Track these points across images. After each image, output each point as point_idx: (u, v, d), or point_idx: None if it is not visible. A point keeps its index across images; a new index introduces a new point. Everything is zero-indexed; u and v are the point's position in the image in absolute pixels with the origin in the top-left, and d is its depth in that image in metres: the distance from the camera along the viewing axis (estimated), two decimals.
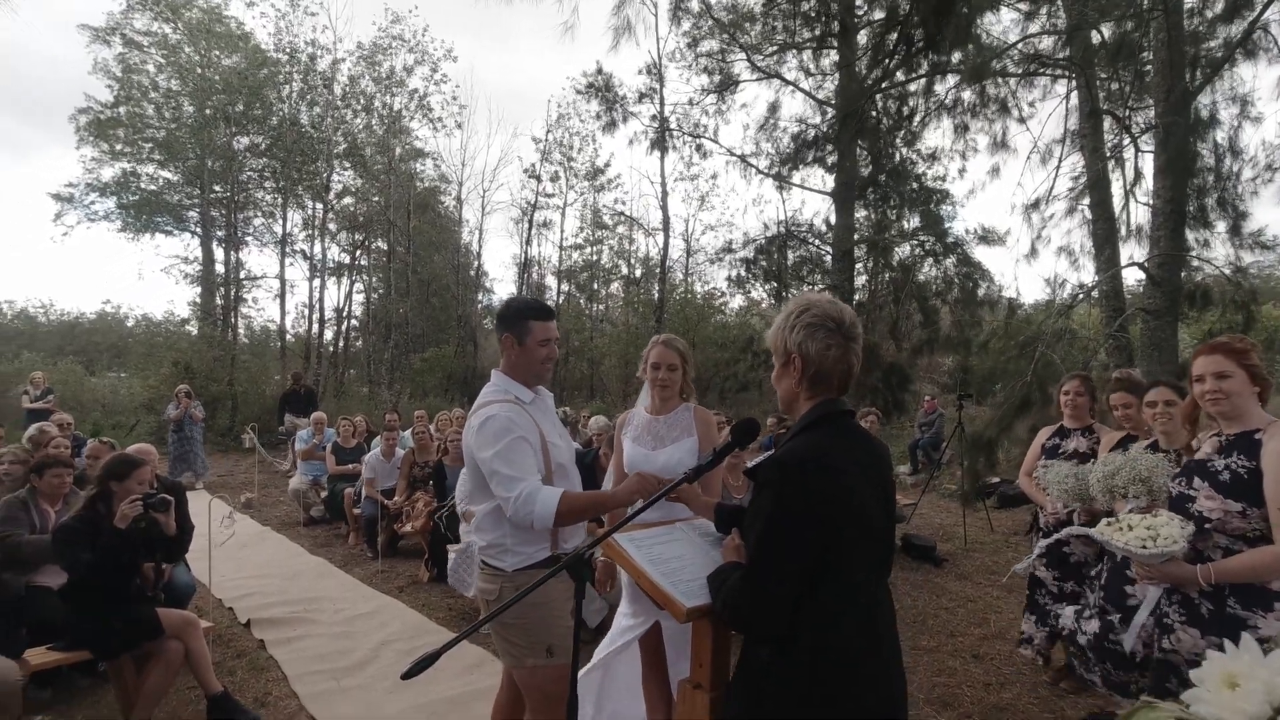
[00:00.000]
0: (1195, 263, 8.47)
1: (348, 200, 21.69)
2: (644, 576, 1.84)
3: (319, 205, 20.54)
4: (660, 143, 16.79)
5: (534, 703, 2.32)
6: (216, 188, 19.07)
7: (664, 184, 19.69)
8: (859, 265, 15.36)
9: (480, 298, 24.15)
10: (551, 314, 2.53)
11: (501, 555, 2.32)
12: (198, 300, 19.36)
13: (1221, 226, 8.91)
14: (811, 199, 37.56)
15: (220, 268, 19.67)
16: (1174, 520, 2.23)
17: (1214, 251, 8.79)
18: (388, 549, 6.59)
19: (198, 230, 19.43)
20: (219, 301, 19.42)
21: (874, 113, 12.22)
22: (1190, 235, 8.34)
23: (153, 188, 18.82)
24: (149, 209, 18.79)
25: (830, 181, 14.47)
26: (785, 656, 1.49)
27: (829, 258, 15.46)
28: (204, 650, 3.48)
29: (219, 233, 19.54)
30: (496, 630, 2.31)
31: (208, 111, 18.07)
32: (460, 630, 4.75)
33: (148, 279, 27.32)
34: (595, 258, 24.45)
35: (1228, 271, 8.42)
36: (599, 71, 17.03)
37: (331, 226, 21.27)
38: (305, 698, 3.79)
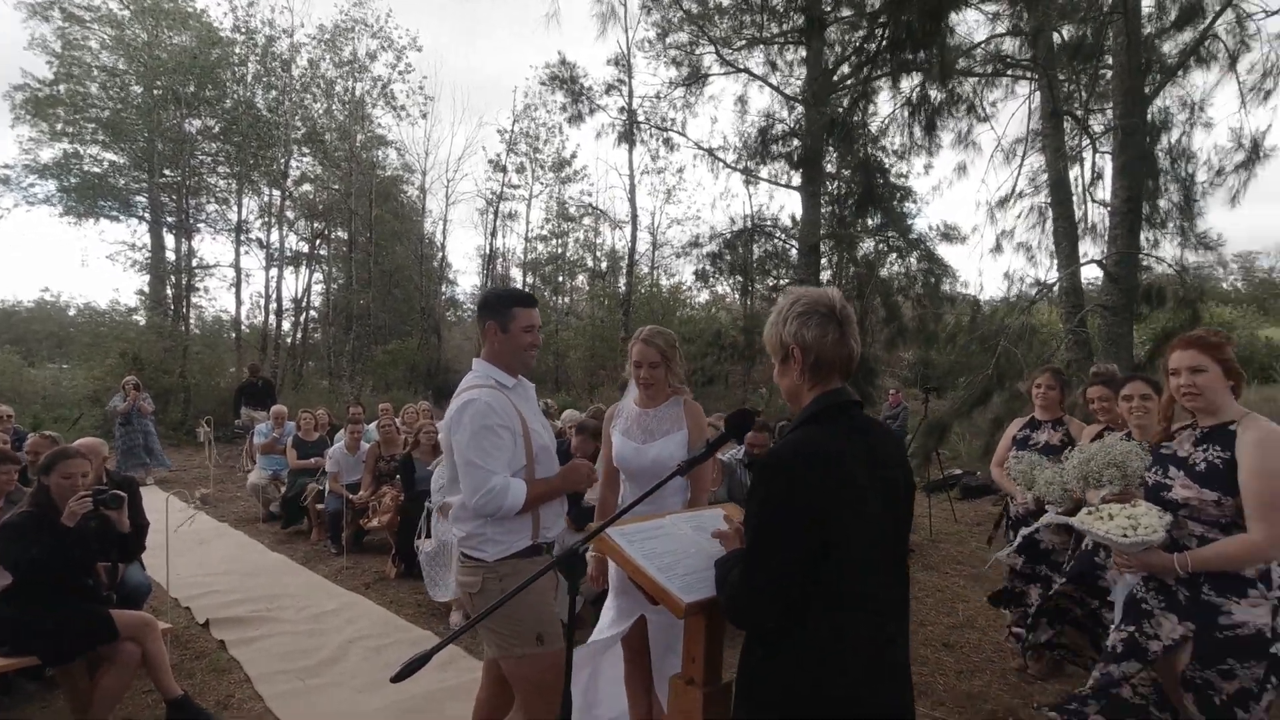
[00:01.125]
0: (1147, 261, 8.78)
1: (306, 187, 21.08)
2: (640, 572, 1.80)
3: (276, 192, 19.91)
4: (629, 135, 16.69)
5: (524, 693, 2.27)
6: (166, 172, 18.27)
7: (632, 177, 19.60)
8: (823, 260, 15.54)
9: (444, 289, 23.76)
10: (535, 302, 2.53)
11: (482, 545, 2.28)
12: (146, 289, 18.57)
13: (1171, 227, 9.27)
14: (778, 194, 38.00)
15: (171, 255, 18.90)
16: (1153, 510, 2.28)
17: (1164, 251, 9.15)
18: (352, 545, 6.42)
19: (146, 216, 18.59)
20: (169, 291, 18.67)
21: (840, 108, 12.35)
22: (1143, 235, 8.64)
23: (96, 170, 17.94)
24: (93, 192, 17.90)
25: (796, 176, 14.59)
26: (784, 654, 1.46)
27: (794, 252, 15.62)
28: (162, 652, 3.32)
29: (169, 219, 18.75)
30: (482, 622, 2.24)
31: (156, 92, 17.30)
32: (428, 624, 4.70)
33: (92, 266, 26.19)
34: (561, 250, 24.26)
35: (1174, 271, 8.76)
36: (563, 62, 16.80)
37: (289, 214, 20.65)
38: (270, 699, 3.66)
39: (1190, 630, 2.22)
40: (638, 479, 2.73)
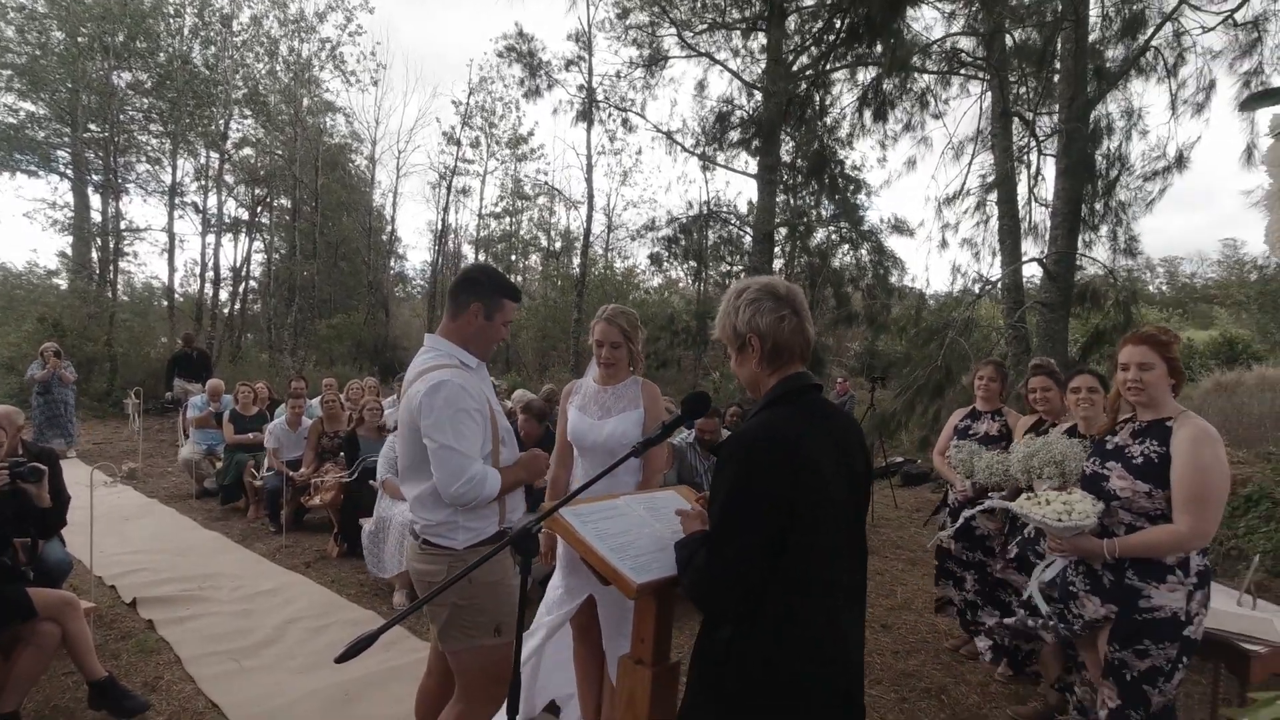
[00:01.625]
0: (1082, 262, 9.18)
1: (247, 151, 20.12)
2: (591, 552, 1.78)
3: (214, 154, 18.94)
4: (587, 114, 16.44)
5: (470, 683, 2.21)
6: (92, 126, 17.12)
7: (589, 156, 19.37)
8: (777, 249, 15.72)
9: (393, 264, 23.14)
10: (520, 297, 2.47)
11: (453, 533, 2.18)
12: (68, 251, 17.47)
13: (1105, 230, 9.69)
14: (735, 180, 38.27)
15: (96, 216, 17.79)
16: (1087, 498, 2.39)
17: (1097, 253, 9.57)
18: (292, 523, 6.23)
19: (68, 173, 17.45)
20: (95, 254, 17.59)
21: (798, 95, 12.44)
22: (1080, 237, 9.01)
23: (12, 121, 16.69)
24: (7, 144, 16.65)
25: (753, 164, 14.68)
26: (746, 638, 1.47)
27: (749, 239, 15.75)
28: (85, 632, 3.16)
29: (95, 177, 17.62)
30: (447, 613, 2.17)
31: (81, 40, 16.15)
32: (370, 604, 4.61)
33: (5, 223, 24.43)
34: (514, 228, 23.89)
35: (1103, 273, 9.18)
36: (520, 34, 16.41)
37: (229, 179, 19.70)
38: (203, 681, 3.52)
39: (1112, 612, 2.34)
40: (590, 454, 2.73)
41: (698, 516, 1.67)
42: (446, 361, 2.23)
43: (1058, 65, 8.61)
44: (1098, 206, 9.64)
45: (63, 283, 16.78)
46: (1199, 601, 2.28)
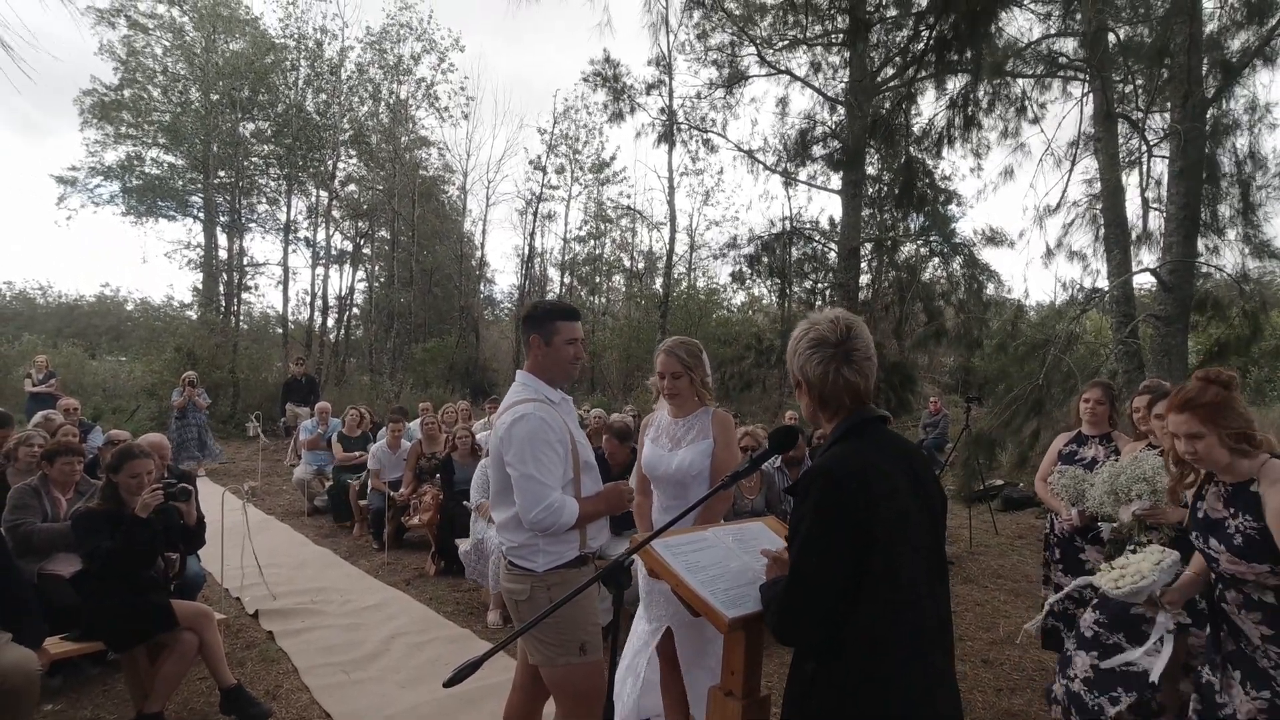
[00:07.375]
0: (1205, 269, 8.44)
1: (352, 188, 21.58)
2: (683, 585, 1.82)
3: (323, 193, 20.43)
4: (668, 136, 16.67)
5: (565, 700, 2.31)
6: (221, 173, 18.93)
7: (671, 178, 19.57)
8: (864, 264, 15.34)
9: (482, 288, 24.09)
10: (577, 315, 2.54)
11: (533, 556, 2.31)
12: (199, 286, 19.27)
13: (1232, 234, 8.89)
14: (818, 196, 37.70)
15: (223, 253, 19.57)
16: (1152, 555, 2.16)
17: (1224, 259, 8.78)
18: (393, 541, 6.58)
19: (201, 216, 19.30)
20: (221, 288, 19.32)
21: (883, 109, 12.17)
22: (1201, 242, 8.32)
23: (157, 172, 18.68)
24: (153, 194, 18.65)
25: (836, 179, 14.42)
26: (829, 671, 1.48)
27: (834, 255, 15.45)
28: (218, 643, 3.46)
29: (222, 218, 19.41)
30: (533, 632, 2.29)
31: (214, 96, 17.93)
32: (465, 622, 4.78)
33: (149, 264, 27.16)
34: (598, 251, 24.37)
35: (1233, 280, 8.40)
36: (606, 60, 16.87)
37: (336, 214, 21.17)
38: (317, 690, 3.78)
39: (1266, 701, 2.10)
40: (662, 484, 2.81)
41: (784, 563, 1.69)
42: (532, 396, 2.37)
43: (1167, 62, 8.04)
44: (1222, 209, 8.89)
45: (194, 315, 18.48)
46: None
